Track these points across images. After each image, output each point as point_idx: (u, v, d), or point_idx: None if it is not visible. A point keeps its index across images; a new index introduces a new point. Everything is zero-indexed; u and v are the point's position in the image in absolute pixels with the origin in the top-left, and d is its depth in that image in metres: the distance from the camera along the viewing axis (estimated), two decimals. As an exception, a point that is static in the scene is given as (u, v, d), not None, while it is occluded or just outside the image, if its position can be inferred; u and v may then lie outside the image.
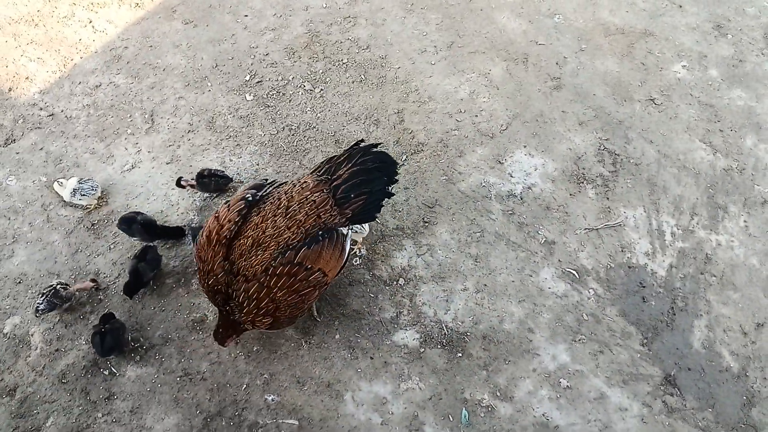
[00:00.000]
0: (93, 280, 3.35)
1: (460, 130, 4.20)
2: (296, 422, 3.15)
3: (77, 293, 3.33)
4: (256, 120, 4.21)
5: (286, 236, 2.84)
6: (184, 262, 3.60)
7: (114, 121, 4.14)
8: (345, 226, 3.06)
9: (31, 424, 3.12)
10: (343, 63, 4.50)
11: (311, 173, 3.11)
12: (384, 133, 4.17)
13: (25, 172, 3.90)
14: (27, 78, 4.29)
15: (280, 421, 3.16)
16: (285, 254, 2.78)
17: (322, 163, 3.14)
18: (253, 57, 4.50)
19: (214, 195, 3.85)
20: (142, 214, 3.57)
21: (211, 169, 3.79)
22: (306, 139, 4.13)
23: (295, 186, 2.99)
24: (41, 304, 3.21)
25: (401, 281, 3.61)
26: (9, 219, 3.73)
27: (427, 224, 3.80)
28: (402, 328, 3.45)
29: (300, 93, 4.34)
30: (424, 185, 3.95)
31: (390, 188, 3.16)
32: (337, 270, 3.04)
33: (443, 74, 4.48)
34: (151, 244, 3.48)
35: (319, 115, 4.24)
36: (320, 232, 2.89)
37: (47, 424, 3.12)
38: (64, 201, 3.71)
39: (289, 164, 4.02)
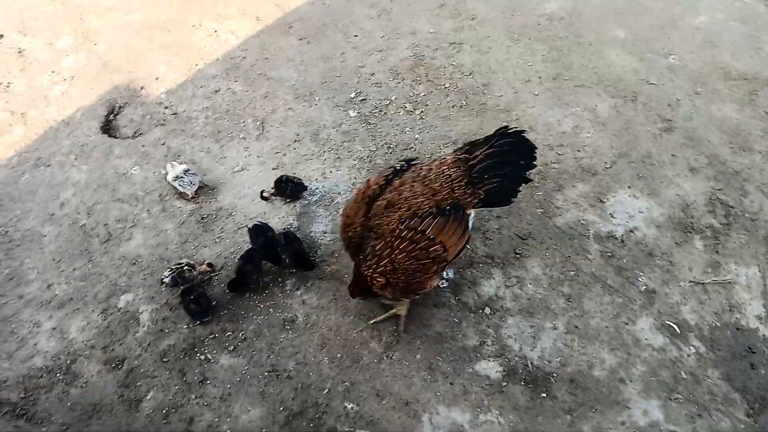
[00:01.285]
0: (209, 265, 3.74)
1: (561, 163, 4.26)
2: (372, 435, 3.32)
3: (199, 277, 3.73)
4: (357, 136, 4.51)
5: (418, 201, 3.13)
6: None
7: (228, 124, 4.60)
8: (477, 207, 3.28)
9: (134, 394, 3.50)
10: (445, 87, 4.72)
11: (452, 152, 3.38)
12: (482, 159, 4.32)
13: (148, 164, 4.42)
14: (157, 78, 4.88)
15: (358, 430, 3.33)
16: (412, 220, 3.06)
17: (464, 144, 3.41)
18: (359, 75, 4.84)
19: (288, 200, 4.18)
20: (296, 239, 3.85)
21: (288, 176, 4.15)
22: (403, 158, 4.36)
23: (435, 161, 3.28)
24: (167, 278, 3.65)
25: (487, 310, 3.70)
26: (131, 205, 4.24)
27: (518, 256, 3.88)
28: (485, 358, 3.53)
29: (401, 113, 4.60)
30: (518, 216, 4.04)
31: (527, 173, 3.31)
32: (456, 249, 3.24)
33: (546, 106, 4.57)
34: (257, 247, 3.83)
35: (417, 136, 4.47)
36: (448, 207, 3.12)
37: (147, 397, 3.49)
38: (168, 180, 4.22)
39: (386, 181, 4.26)
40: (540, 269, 3.83)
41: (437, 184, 3.18)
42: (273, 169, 4.36)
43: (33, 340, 3.79)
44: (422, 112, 4.58)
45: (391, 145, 4.42)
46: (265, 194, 4.17)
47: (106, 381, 3.61)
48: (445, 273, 3.84)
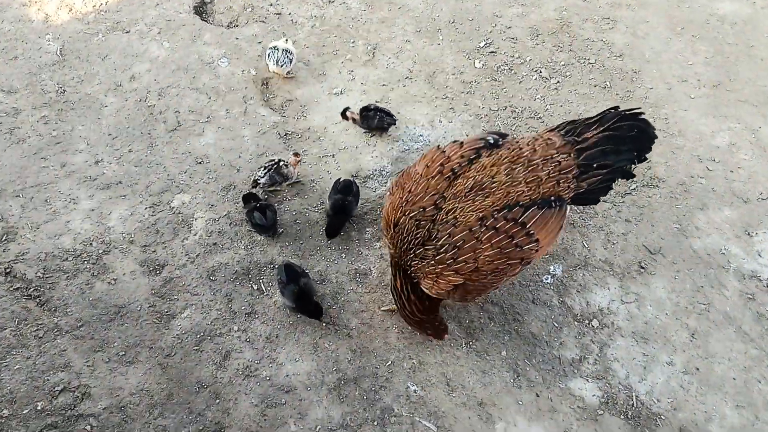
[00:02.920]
0: (296, 154, 3.41)
1: (709, 180, 3.78)
2: (435, 429, 2.89)
3: (297, 173, 3.40)
4: (479, 90, 4.07)
5: (519, 189, 2.64)
6: (364, 207, 3.50)
7: (336, 41, 4.20)
8: (569, 203, 2.82)
9: (168, 308, 3.13)
10: (590, 62, 4.25)
11: (552, 130, 2.87)
12: (616, 152, 3.86)
13: (238, 60, 4.04)
14: (266, -29, 4.49)
15: (417, 419, 2.91)
16: (512, 209, 2.59)
17: (563, 123, 2.91)
18: (493, 25, 4.39)
19: (372, 133, 3.78)
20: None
21: (378, 105, 3.73)
22: (527, 127, 3.91)
23: (537, 140, 2.78)
24: (262, 177, 3.28)
25: (594, 323, 3.25)
26: (209, 98, 3.86)
27: (642, 271, 3.42)
28: (582, 376, 3.08)
29: (534, 78, 4.14)
30: (650, 226, 3.57)
31: (633, 167, 2.88)
32: (545, 251, 2.84)
33: (701, 113, 4.08)
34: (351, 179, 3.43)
35: (549, 107, 4.02)
36: (553, 198, 2.68)
37: (182, 315, 3.11)
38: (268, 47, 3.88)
39: (501, 148, 3.83)
40: (665, 292, 3.36)
41: (544, 173, 2.69)
42: (376, 101, 3.94)
43: (66, 216, 3.44)
44: (558, 82, 4.12)
45: (516, 110, 3.97)
46: (348, 113, 3.74)
47: (138, 284, 3.24)
48: (552, 268, 3.41)
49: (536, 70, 4.17)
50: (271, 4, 4.32)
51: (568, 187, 2.75)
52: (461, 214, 2.60)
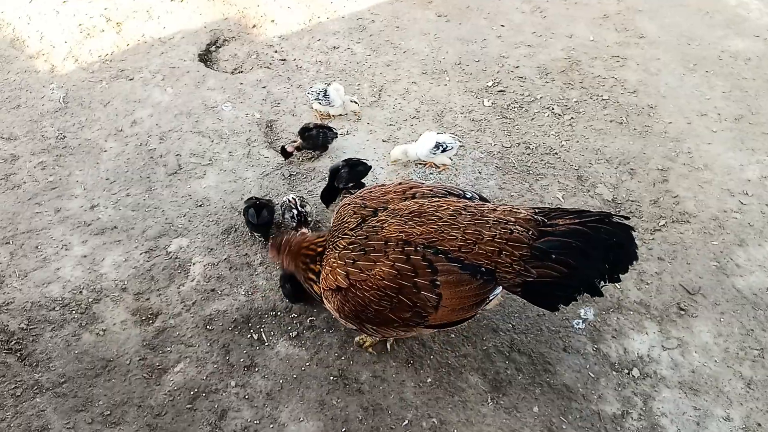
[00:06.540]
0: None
1: (744, 214, 3.48)
2: (460, 500, 2.47)
3: (292, 224, 3.23)
4: (489, 127, 3.89)
5: (453, 235, 2.36)
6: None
7: (341, 84, 4.09)
8: (512, 290, 2.45)
9: (160, 361, 2.79)
10: (603, 99, 4.09)
11: (531, 208, 2.54)
12: (639, 187, 3.59)
13: (242, 104, 3.91)
14: (272, 21, 4.46)
15: (440, 488, 2.50)
16: (437, 253, 2.35)
17: (542, 207, 2.72)
18: (500, 66, 4.28)
19: (318, 153, 3.66)
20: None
21: (316, 123, 3.59)
22: (543, 163, 3.69)
23: (505, 206, 2.52)
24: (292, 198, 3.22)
25: (635, 372, 2.86)
26: (212, 141, 3.69)
27: (682, 313, 3.06)
28: (627, 434, 2.67)
29: (546, 115, 3.97)
30: (686, 264, 3.24)
31: (602, 284, 2.42)
32: (449, 318, 2.44)
33: (726, 146, 3.85)
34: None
35: (564, 143, 3.81)
36: (483, 269, 2.34)
37: (175, 369, 2.77)
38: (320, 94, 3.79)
39: (517, 184, 3.57)
40: (711, 336, 2.98)
41: (490, 233, 2.36)
42: (383, 141, 3.76)
43: (57, 263, 3.19)
44: (572, 118, 3.94)
45: (530, 146, 3.76)
46: (288, 148, 3.55)
47: (129, 335, 2.93)
48: (582, 312, 3.06)
49: (548, 107, 4.00)
50: (276, 51, 4.26)
51: (511, 265, 2.35)
52: (389, 227, 2.43)
